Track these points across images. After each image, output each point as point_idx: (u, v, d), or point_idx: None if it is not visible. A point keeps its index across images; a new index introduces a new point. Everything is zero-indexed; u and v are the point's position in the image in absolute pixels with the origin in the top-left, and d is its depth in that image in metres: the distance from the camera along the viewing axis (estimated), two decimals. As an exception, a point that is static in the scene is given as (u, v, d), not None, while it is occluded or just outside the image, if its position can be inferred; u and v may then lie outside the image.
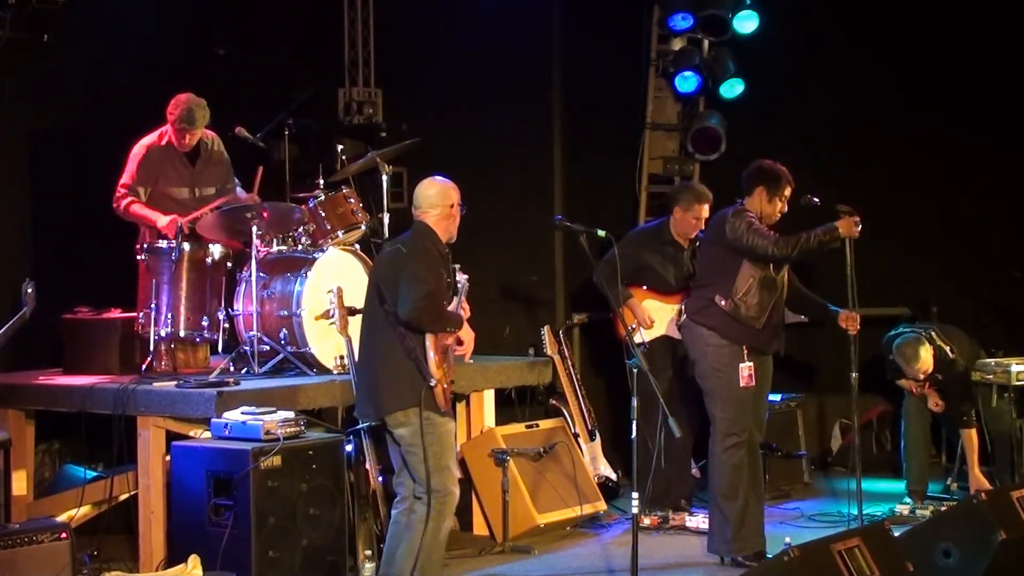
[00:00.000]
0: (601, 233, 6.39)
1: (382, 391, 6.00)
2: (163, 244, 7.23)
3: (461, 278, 6.30)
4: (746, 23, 9.76)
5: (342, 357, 6.97)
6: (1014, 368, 8.35)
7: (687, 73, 9.80)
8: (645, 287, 8.16)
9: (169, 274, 7.19)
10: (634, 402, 6.01)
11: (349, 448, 6.64)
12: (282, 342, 7.15)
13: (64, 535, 5.76)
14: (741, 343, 6.93)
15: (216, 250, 7.33)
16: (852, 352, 7.10)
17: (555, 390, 8.61)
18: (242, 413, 6.33)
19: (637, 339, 7.89)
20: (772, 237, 6.83)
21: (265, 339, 7.15)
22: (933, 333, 8.28)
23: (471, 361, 6.91)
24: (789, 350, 7.36)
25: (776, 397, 8.73)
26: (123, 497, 6.97)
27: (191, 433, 6.62)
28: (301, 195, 7.97)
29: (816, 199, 7.13)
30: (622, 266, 7.89)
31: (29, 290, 6.30)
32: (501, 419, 8.09)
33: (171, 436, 6.65)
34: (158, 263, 7.22)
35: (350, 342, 6.59)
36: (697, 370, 7.09)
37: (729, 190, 7.18)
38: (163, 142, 7.60)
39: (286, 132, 8.71)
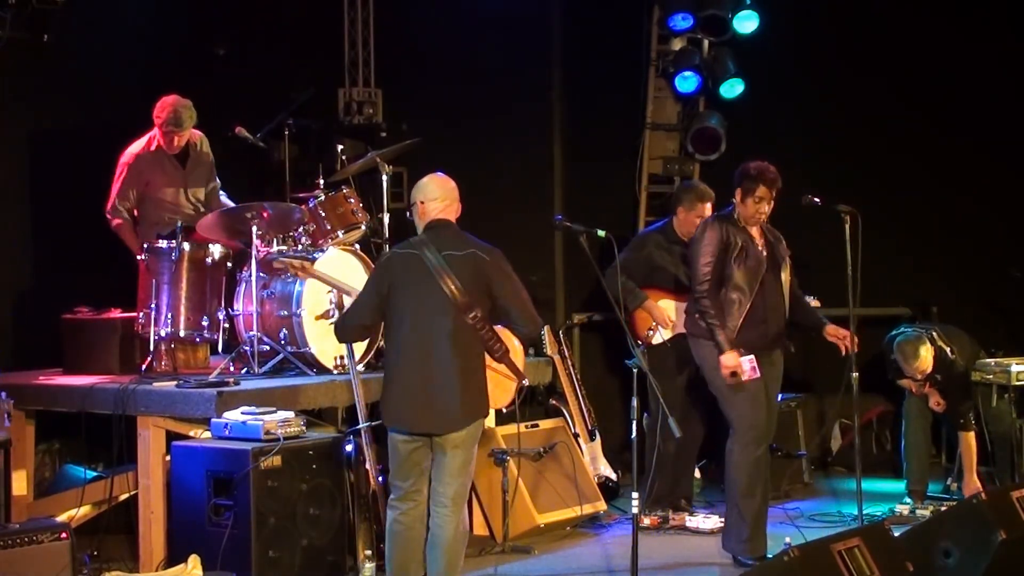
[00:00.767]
0: (601, 233, 6.37)
1: (478, 397, 5.95)
2: (163, 244, 7.23)
3: None
4: (746, 23, 9.77)
5: (342, 357, 6.97)
6: (1014, 368, 8.36)
7: (687, 73, 9.81)
8: (659, 288, 8.14)
9: (169, 274, 7.18)
10: (634, 402, 6.01)
11: (349, 448, 6.64)
12: (282, 342, 7.15)
13: (64, 535, 5.75)
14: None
15: (216, 250, 7.33)
16: (852, 352, 7.10)
17: (555, 390, 8.61)
18: (242, 413, 6.33)
19: (657, 339, 7.91)
20: (699, 276, 6.90)
21: (265, 339, 7.15)
22: (934, 333, 8.28)
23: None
24: (789, 350, 7.37)
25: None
26: (123, 497, 6.96)
27: (191, 433, 6.62)
28: (301, 195, 7.98)
29: (817, 199, 7.14)
30: (637, 270, 7.92)
31: None
32: (501, 419, 8.08)
33: (171, 436, 6.64)
34: (158, 263, 7.21)
35: (350, 343, 6.59)
36: (705, 377, 7.10)
37: (729, 190, 7.18)
38: (152, 147, 7.62)
39: (286, 132, 8.72)
